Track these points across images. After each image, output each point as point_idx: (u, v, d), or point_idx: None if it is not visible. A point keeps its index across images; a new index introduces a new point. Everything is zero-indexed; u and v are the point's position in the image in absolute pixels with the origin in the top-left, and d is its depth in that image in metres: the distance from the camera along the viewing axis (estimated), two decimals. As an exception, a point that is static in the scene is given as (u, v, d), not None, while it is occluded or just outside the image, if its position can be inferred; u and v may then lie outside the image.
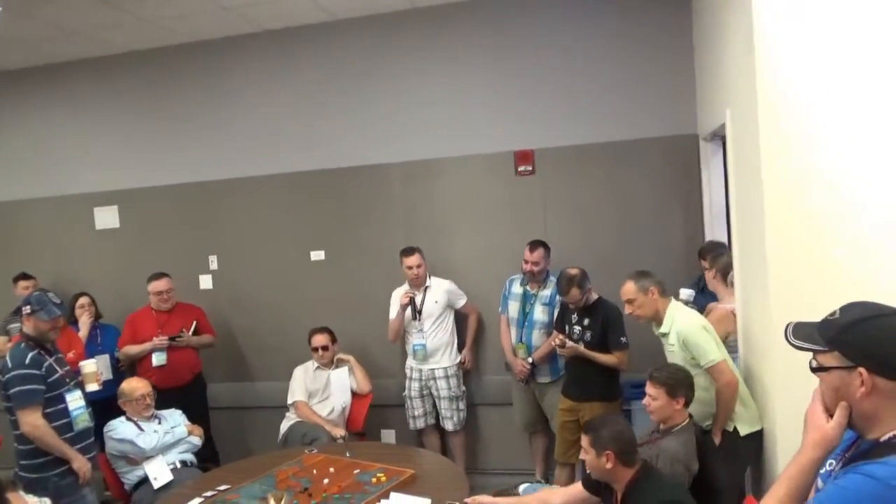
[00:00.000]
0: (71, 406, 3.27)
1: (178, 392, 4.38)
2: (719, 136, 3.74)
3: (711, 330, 2.98)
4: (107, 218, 5.31)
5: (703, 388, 2.91)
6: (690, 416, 2.88)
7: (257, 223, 5.06)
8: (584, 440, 2.44)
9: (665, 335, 3.07)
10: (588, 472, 2.51)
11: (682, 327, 2.97)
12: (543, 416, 4.29)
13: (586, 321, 3.79)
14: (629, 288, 3.10)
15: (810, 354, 1.35)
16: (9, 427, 3.25)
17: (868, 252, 2.42)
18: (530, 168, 4.58)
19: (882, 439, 1.25)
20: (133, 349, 4.53)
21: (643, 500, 2.30)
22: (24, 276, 4.99)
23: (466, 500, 2.75)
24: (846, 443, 1.34)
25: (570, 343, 3.73)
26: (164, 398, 4.06)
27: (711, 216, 4.10)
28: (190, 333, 4.58)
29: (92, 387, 3.48)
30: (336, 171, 4.87)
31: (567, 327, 3.87)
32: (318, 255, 4.97)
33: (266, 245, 5.05)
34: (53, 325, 3.27)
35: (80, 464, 3.23)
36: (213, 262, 5.13)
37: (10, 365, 3.18)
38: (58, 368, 3.27)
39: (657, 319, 3.10)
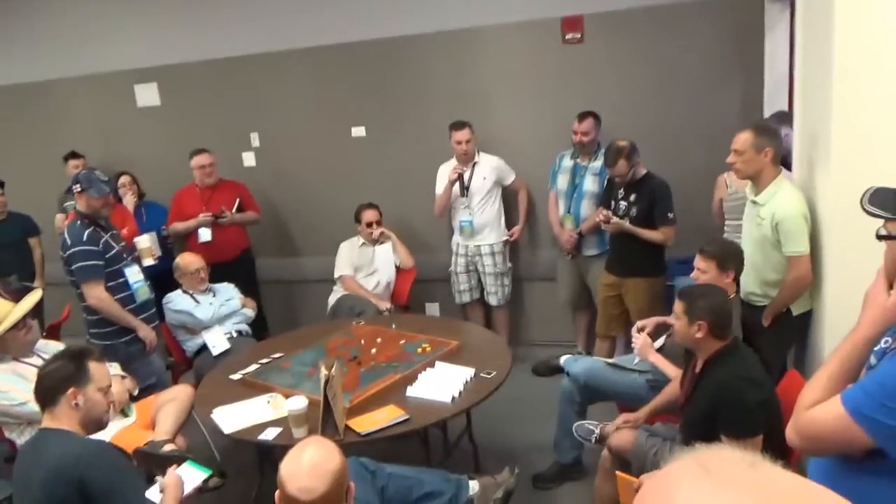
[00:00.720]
0: (130, 280, 3.42)
1: (226, 267, 4.53)
2: (788, -3, 3.43)
3: (808, 219, 2.75)
4: (148, 95, 5.28)
5: (777, 270, 2.82)
6: (737, 290, 2.85)
7: (297, 99, 4.97)
8: (678, 306, 2.37)
9: (758, 205, 2.86)
10: (671, 336, 2.47)
11: (783, 210, 2.74)
12: (587, 291, 4.32)
13: (633, 196, 3.70)
14: (745, 138, 2.82)
15: (871, 233, 1.29)
16: (76, 299, 3.43)
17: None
18: (578, 35, 4.32)
19: None
20: (179, 226, 4.63)
21: (722, 371, 2.27)
22: (74, 155, 5.07)
23: (611, 425, 2.75)
24: None
25: (614, 219, 3.67)
26: (214, 273, 4.22)
27: (773, 87, 3.84)
28: (234, 211, 4.63)
29: (147, 261, 3.62)
30: (373, 43, 4.69)
31: (613, 202, 3.79)
32: (359, 132, 4.91)
33: (307, 121, 4.99)
34: (104, 201, 3.36)
35: (146, 332, 3.43)
36: (255, 140, 5.13)
37: (69, 242, 3.30)
38: (114, 244, 3.39)
39: (756, 183, 2.87)
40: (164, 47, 5.09)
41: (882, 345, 1.30)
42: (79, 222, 3.34)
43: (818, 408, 1.25)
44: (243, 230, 4.78)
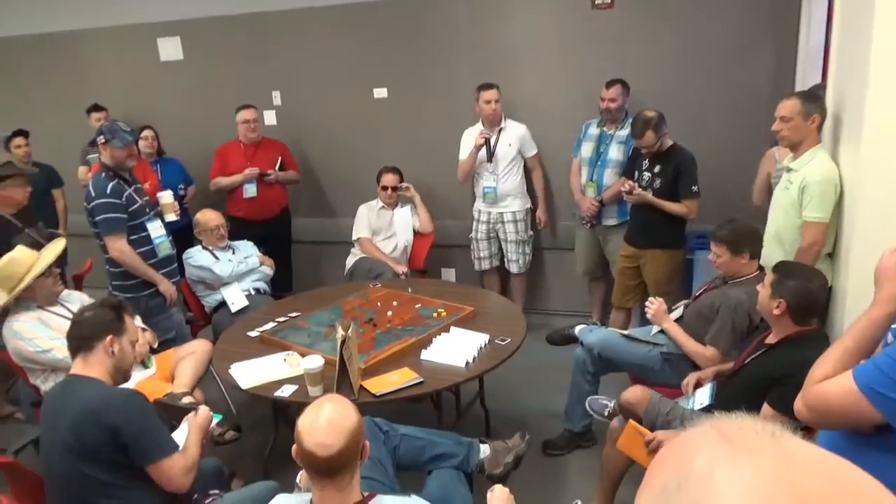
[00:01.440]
0: (153, 234, 3.45)
1: (266, 225, 4.57)
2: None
3: (837, 189, 2.66)
4: (171, 49, 5.26)
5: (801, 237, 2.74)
6: (761, 267, 2.82)
7: (319, 58, 4.93)
8: (769, 276, 2.28)
9: (791, 171, 2.80)
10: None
11: (814, 174, 2.66)
12: (605, 261, 4.30)
13: (657, 168, 3.65)
14: (792, 104, 2.74)
15: (889, 217, 1.26)
16: (99, 251, 3.47)
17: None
18: (609, 0, 4.21)
19: None
20: (224, 181, 4.64)
21: (799, 353, 2.08)
22: (97, 108, 5.09)
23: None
24: None
25: (638, 190, 3.62)
26: (253, 230, 4.26)
27: (807, 57, 3.73)
28: (276, 169, 4.66)
29: (170, 217, 3.63)
30: (400, 2, 4.61)
31: (637, 173, 3.74)
32: (381, 93, 4.86)
33: (328, 81, 4.95)
34: (129, 152, 3.35)
35: (166, 286, 3.47)
36: (277, 98, 5.10)
37: (93, 194, 3.31)
38: (137, 198, 3.40)
39: (796, 151, 2.79)
40: (188, 1, 5.05)
41: None
42: (103, 174, 3.34)
43: (829, 382, 1.26)
44: (284, 189, 4.81)
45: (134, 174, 3.51)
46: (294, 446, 1.58)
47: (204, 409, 2.31)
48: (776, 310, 2.23)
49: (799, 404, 1.33)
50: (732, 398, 2.29)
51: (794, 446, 0.49)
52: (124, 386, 2.26)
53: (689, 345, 2.87)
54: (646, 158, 3.68)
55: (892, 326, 1.30)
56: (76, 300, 3.12)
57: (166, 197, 3.67)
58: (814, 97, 2.82)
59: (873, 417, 1.19)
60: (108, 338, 2.12)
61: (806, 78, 3.71)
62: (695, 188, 3.57)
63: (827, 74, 3.23)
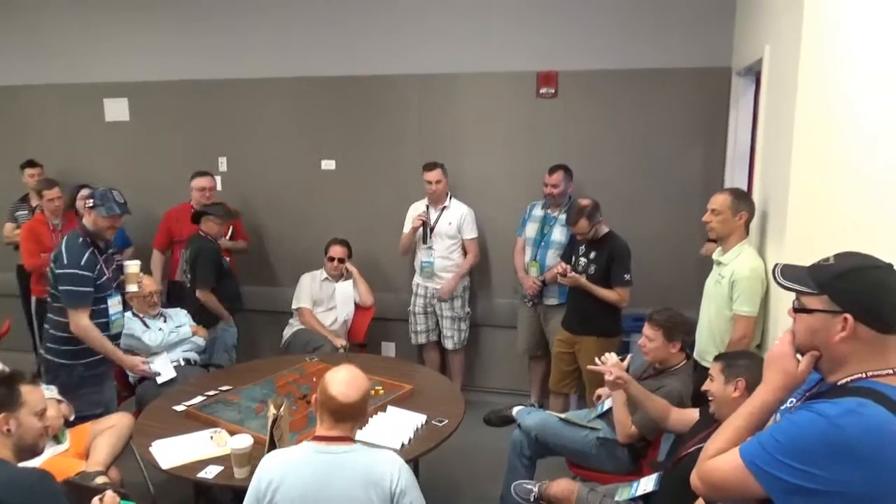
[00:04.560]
0: (111, 310, 3.28)
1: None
2: (754, 72, 3.58)
3: (764, 285, 2.80)
4: (117, 110, 5.20)
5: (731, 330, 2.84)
6: (688, 356, 2.90)
7: (268, 127, 4.96)
8: (715, 367, 2.31)
9: (720, 265, 2.94)
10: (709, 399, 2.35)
11: (742, 270, 2.80)
12: (545, 341, 4.33)
13: (593, 254, 3.75)
14: (724, 199, 2.90)
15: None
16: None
17: None
18: (553, 90, 4.43)
19: (839, 382, 1.32)
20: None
21: None
22: (31, 164, 4.96)
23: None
24: (809, 384, 1.41)
25: (570, 273, 3.70)
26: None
27: (735, 157, 3.97)
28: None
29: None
30: (350, 79, 4.72)
31: (574, 258, 3.84)
32: (328, 165, 4.90)
33: (276, 151, 4.97)
34: (112, 223, 3.21)
35: (131, 364, 3.29)
36: (223, 164, 5.07)
37: (65, 260, 3.10)
38: (106, 271, 3.24)
39: (724, 244, 2.93)
40: (138, 64, 5.05)
41: (787, 404, 1.41)
42: (80, 239, 3.16)
43: (720, 457, 1.35)
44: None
45: (109, 243, 3.33)
46: (315, 396, 2.02)
47: (110, 496, 2.10)
48: (735, 393, 2.21)
49: (694, 479, 1.41)
50: (677, 486, 2.29)
51: None
52: (34, 465, 2.09)
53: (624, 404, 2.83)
54: (582, 244, 3.79)
55: (781, 408, 1.40)
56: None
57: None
58: (744, 195, 2.99)
59: (759, 492, 1.28)
60: (1, 416, 1.94)
61: (734, 176, 3.94)
62: (627, 276, 3.66)
63: (753, 174, 3.44)
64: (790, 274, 1.38)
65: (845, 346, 1.30)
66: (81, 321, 3.13)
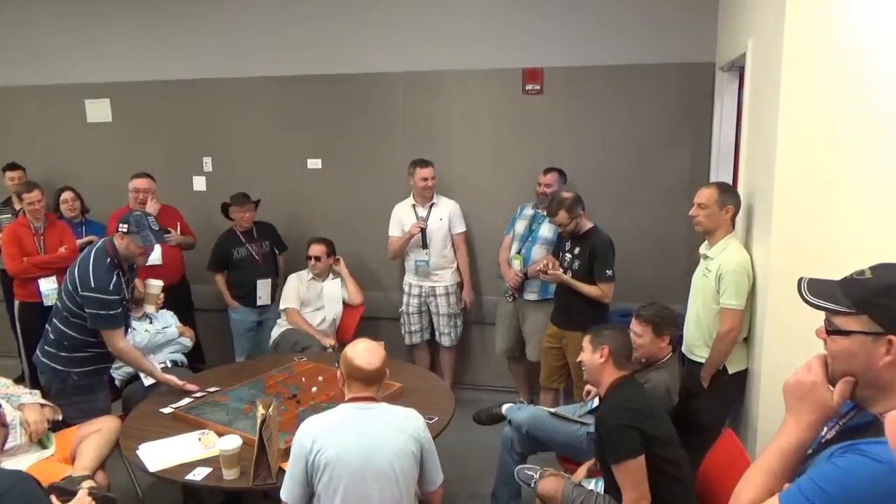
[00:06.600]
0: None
1: (170, 291, 4.37)
2: (737, 67, 3.60)
3: (751, 278, 2.81)
4: (99, 111, 5.15)
5: (718, 323, 2.86)
6: (674, 349, 2.91)
7: (253, 127, 4.93)
8: (585, 340, 2.56)
9: (707, 258, 2.96)
10: (583, 374, 2.63)
11: (729, 263, 2.82)
12: (522, 341, 4.29)
13: (577, 250, 3.76)
14: (710, 193, 2.92)
15: (799, 304, 1.23)
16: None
17: (881, 214, 2.13)
18: (539, 87, 4.43)
19: (883, 413, 1.10)
20: None
21: (615, 398, 2.42)
22: (13, 167, 4.89)
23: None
24: (843, 409, 1.25)
25: (552, 269, 3.71)
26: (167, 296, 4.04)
27: (719, 153, 4.00)
28: (178, 233, 4.53)
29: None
30: (335, 78, 4.70)
31: (561, 254, 3.85)
32: (314, 164, 4.88)
33: (262, 150, 4.94)
34: (144, 251, 3.17)
35: (169, 381, 3.23)
36: (208, 164, 5.03)
37: (93, 284, 3.02)
38: (126, 293, 3.20)
39: (711, 238, 2.96)
40: (120, 64, 5.00)
41: (821, 433, 1.26)
42: (108, 260, 3.08)
43: None
44: (181, 255, 4.65)
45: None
46: (339, 371, 2.26)
47: (82, 495, 2.08)
48: (601, 359, 2.46)
49: None
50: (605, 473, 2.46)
51: None
52: (15, 468, 2.06)
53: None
54: (568, 240, 3.80)
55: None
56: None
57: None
58: (730, 189, 3.01)
59: None
60: None
61: (719, 171, 3.96)
62: (609, 272, 3.66)
63: (738, 169, 3.46)
64: (818, 290, 1.22)
65: (892, 372, 1.14)
66: (118, 343, 3.13)
